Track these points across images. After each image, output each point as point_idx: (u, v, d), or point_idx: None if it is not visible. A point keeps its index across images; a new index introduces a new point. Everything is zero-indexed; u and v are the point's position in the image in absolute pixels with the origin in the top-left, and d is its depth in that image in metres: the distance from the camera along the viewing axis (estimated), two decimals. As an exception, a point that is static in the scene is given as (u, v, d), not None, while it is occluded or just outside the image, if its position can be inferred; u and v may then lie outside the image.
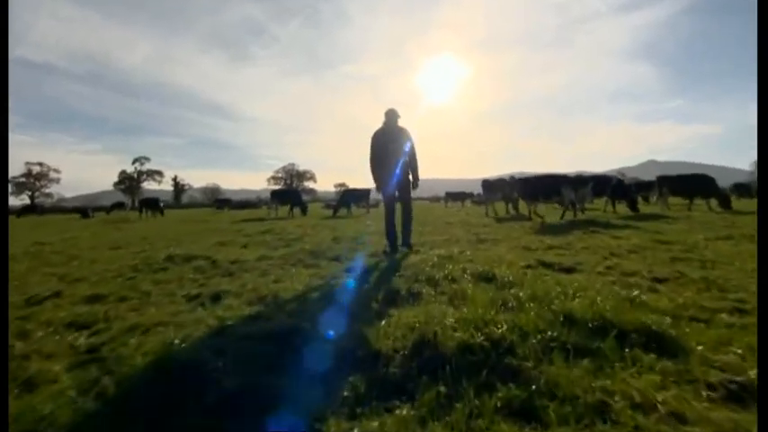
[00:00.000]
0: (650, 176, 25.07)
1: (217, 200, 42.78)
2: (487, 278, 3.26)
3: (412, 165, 5.51)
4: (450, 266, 3.75)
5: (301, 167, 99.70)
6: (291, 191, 21.90)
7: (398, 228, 5.62)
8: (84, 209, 31.79)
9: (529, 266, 3.80)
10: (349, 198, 19.06)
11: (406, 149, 5.46)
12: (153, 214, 26.01)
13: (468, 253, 4.73)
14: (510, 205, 14.85)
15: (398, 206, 5.75)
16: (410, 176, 5.56)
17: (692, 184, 13.41)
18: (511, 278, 3.17)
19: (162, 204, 26.09)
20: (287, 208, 19.86)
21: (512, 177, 13.62)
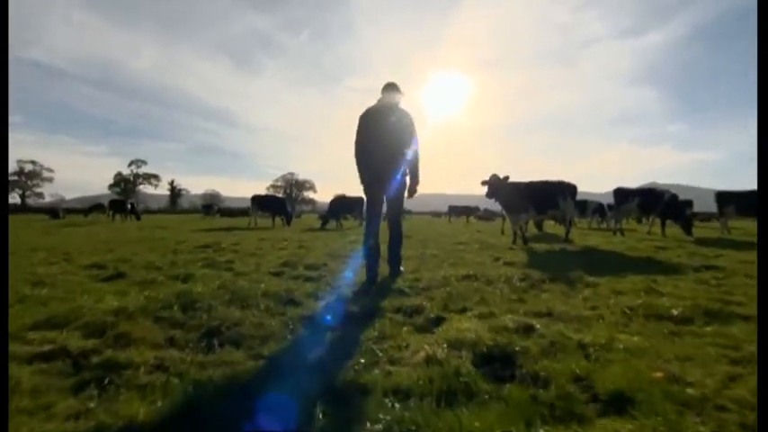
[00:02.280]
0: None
1: (203, 206, 40.26)
2: None
3: (411, 163, 3.92)
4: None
5: (301, 177, 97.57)
6: (274, 198, 18.97)
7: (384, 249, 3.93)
8: (54, 209, 29.16)
9: None
10: (338, 208, 16.25)
11: (408, 140, 3.87)
12: (123, 217, 23.25)
13: (538, 329, 1.95)
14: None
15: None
16: (404, 177, 3.94)
17: (764, 204, 10.61)
18: None
19: (129, 207, 23.28)
20: (274, 218, 17.20)
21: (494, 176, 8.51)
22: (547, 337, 1.87)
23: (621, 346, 1.74)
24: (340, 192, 16.79)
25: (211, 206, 38.87)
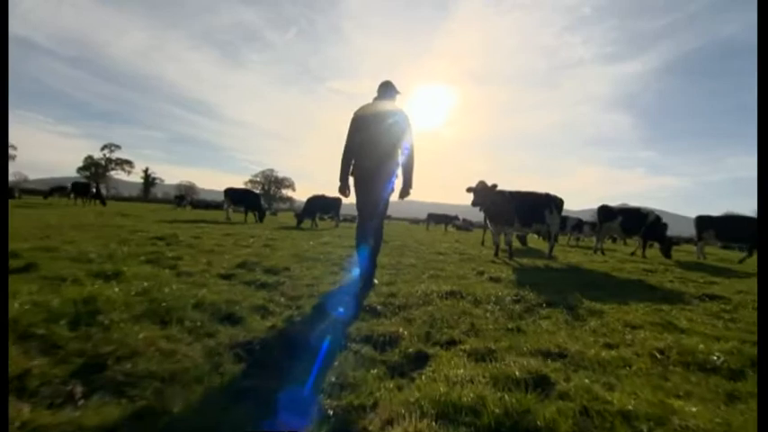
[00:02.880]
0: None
1: (176, 196, 38.66)
2: None
3: (406, 166, 3.80)
4: None
5: (281, 174, 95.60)
6: (248, 192, 18.00)
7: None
8: (9, 189, 27.19)
9: None
10: (314, 207, 15.55)
11: (403, 143, 3.74)
12: (85, 201, 21.79)
13: (555, 382, 1.41)
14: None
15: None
16: (393, 180, 3.80)
17: (742, 230, 10.57)
18: None
19: (93, 191, 21.90)
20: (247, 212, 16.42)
21: (481, 183, 7.18)
22: (573, 398, 1.32)
23: (685, 424, 1.21)
24: (319, 191, 16.14)
25: (183, 197, 37.37)
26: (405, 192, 3.82)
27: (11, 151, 76.05)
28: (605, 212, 10.89)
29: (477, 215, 8.10)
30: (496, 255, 7.49)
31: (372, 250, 3.70)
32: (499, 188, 7.36)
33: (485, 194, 7.19)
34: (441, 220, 31.24)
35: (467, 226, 35.26)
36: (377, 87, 3.92)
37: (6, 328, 1.58)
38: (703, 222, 11.23)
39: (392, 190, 3.80)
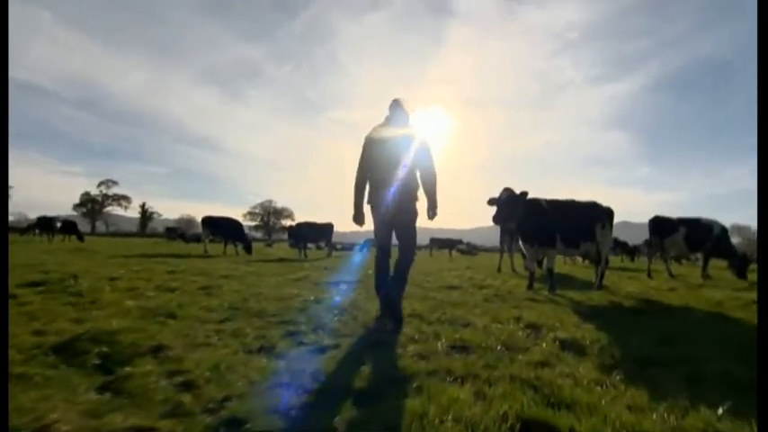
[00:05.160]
0: (626, 236, 26.21)
1: (167, 229, 36.74)
2: None
3: (428, 186, 3.52)
4: None
5: (279, 205, 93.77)
6: (228, 220, 15.60)
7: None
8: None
9: None
10: (300, 234, 13.44)
11: (422, 163, 3.47)
12: (51, 237, 19.64)
13: None
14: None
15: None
16: (415, 204, 3.49)
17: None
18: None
19: (58, 225, 19.85)
20: (227, 243, 14.29)
21: (507, 191, 5.27)
22: None
23: None
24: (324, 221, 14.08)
25: (175, 230, 35.46)
26: (432, 213, 3.58)
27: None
28: (662, 225, 8.74)
29: (481, 239, 6.04)
30: (531, 287, 5.42)
31: (395, 285, 3.28)
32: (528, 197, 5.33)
33: (513, 206, 5.14)
34: (444, 244, 29.07)
35: (470, 250, 33.09)
36: (388, 106, 3.59)
37: (6, 329, 1.64)
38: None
39: (413, 215, 3.52)
